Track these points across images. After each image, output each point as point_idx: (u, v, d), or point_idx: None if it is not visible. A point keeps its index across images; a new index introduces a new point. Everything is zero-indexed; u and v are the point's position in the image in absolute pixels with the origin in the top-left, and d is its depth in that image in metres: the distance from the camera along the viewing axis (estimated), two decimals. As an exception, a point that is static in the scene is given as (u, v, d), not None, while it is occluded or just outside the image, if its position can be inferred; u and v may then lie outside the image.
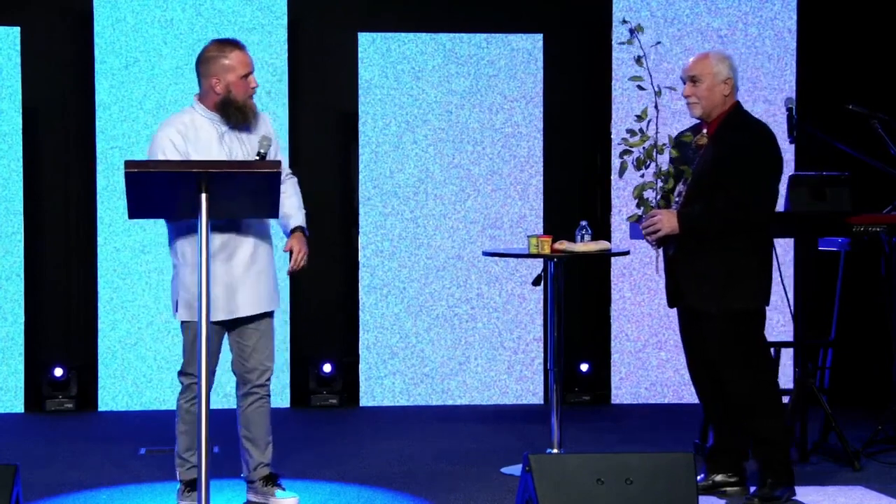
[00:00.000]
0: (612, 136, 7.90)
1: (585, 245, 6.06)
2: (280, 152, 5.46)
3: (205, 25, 7.68)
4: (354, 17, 7.96)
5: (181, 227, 5.25)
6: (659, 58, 7.85)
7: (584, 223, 6.17)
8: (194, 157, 5.17)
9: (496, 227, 7.90)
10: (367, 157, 7.83)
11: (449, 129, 7.88)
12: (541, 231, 7.73)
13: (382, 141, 7.84)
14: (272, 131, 5.42)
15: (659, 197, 5.44)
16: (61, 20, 7.82)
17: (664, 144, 5.41)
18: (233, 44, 5.29)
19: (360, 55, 7.82)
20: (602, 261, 7.82)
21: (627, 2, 7.86)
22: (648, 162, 5.41)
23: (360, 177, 7.83)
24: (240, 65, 5.24)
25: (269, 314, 5.44)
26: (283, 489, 5.52)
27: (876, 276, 6.74)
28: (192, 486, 5.40)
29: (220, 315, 5.25)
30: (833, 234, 6.43)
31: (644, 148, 5.40)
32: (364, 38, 7.82)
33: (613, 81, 7.88)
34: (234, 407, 7.76)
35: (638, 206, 5.47)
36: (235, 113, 5.25)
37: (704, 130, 5.53)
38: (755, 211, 5.40)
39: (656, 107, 5.40)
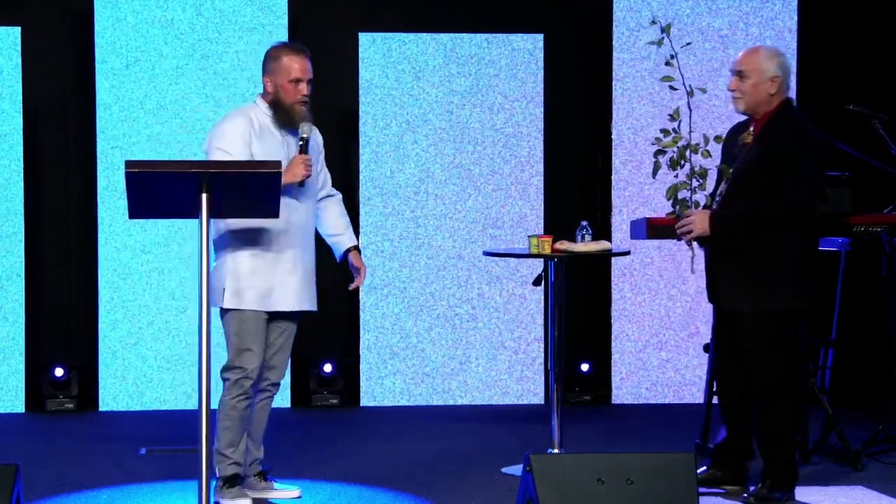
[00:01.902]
0: (612, 136, 7.90)
1: (586, 245, 6.06)
2: (323, 167, 5.62)
3: (205, 25, 7.68)
4: (355, 16, 7.96)
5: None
6: (660, 58, 7.83)
7: (584, 223, 6.17)
8: (258, 151, 5.29)
9: (497, 227, 7.90)
10: (367, 157, 7.83)
11: (449, 129, 7.88)
12: (541, 231, 7.73)
13: (383, 141, 7.84)
14: (321, 143, 5.59)
15: (694, 197, 5.41)
16: (61, 20, 7.82)
17: (697, 144, 5.38)
18: (292, 48, 5.42)
19: (360, 55, 7.82)
20: (603, 261, 7.82)
21: (628, 2, 7.86)
22: (682, 162, 5.38)
23: (361, 177, 7.83)
24: (291, 70, 5.35)
25: (299, 315, 5.56)
26: (278, 482, 5.64)
27: (876, 276, 6.74)
28: (231, 482, 5.44)
29: (272, 304, 5.40)
30: (834, 234, 6.43)
31: (677, 148, 5.37)
32: (364, 38, 7.82)
33: (614, 81, 7.88)
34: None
35: (673, 205, 5.45)
36: (282, 114, 5.37)
37: (751, 128, 5.50)
38: (796, 212, 5.37)
39: (689, 106, 5.36)
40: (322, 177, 5.61)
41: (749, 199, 5.37)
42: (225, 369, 5.42)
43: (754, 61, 5.45)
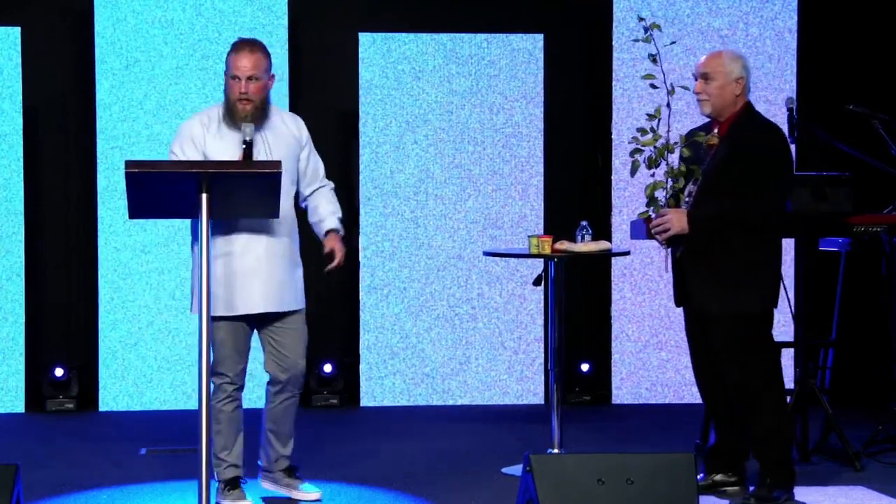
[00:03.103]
0: (612, 136, 7.90)
1: (586, 245, 6.06)
2: (309, 160, 5.51)
3: (205, 25, 7.68)
4: (355, 17, 7.96)
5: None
6: (659, 58, 7.84)
7: (584, 223, 6.17)
8: (214, 151, 5.23)
9: (497, 227, 7.90)
10: (367, 157, 7.83)
11: (449, 129, 7.88)
12: (541, 231, 7.73)
13: (383, 141, 7.84)
14: (303, 136, 5.47)
15: (669, 196, 5.42)
16: (61, 20, 7.82)
17: (675, 143, 5.39)
18: (235, 45, 5.33)
19: (360, 55, 7.81)
20: (603, 261, 7.82)
21: (628, 2, 7.86)
22: (660, 161, 5.39)
23: (361, 177, 7.83)
24: (230, 66, 5.29)
25: (299, 312, 5.47)
26: (304, 482, 5.58)
27: (876, 276, 6.74)
28: (231, 484, 5.42)
29: (239, 309, 5.31)
30: (833, 234, 6.43)
31: (656, 147, 5.38)
32: (364, 38, 7.82)
33: (614, 81, 7.88)
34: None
35: (648, 205, 5.46)
36: (227, 112, 5.30)
37: (715, 130, 5.51)
38: (765, 211, 5.38)
39: (668, 105, 5.37)
40: (309, 170, 5.50)
41: (719, 200, 5.38)
42: (211, 373, 5.41)
43: (719, 64, 5.49)
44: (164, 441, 6.79)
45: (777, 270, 5.51)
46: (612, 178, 7.90)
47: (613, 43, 7.87)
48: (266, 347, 5.46)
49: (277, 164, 4.77)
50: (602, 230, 7.69)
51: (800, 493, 5.57)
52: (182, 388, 7.69)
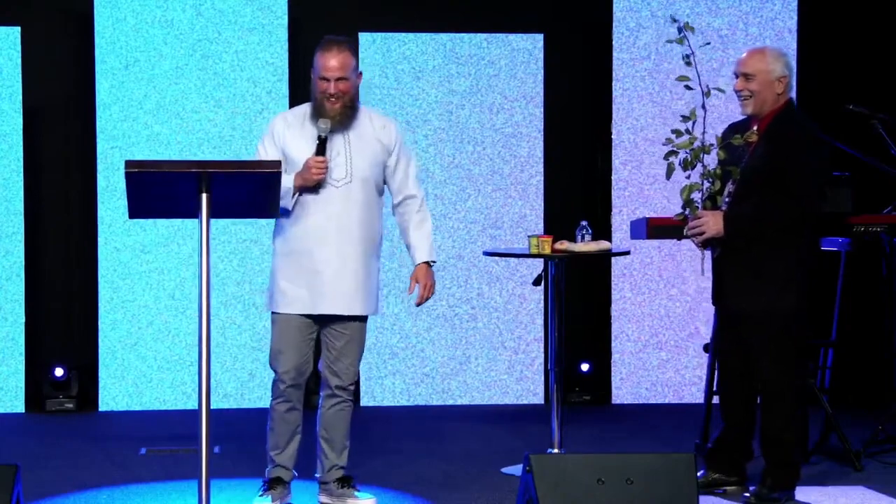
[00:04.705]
0: (612, 136, 7.90)
1: (586, 245, 6.06)
2: (397, 167, 5.42)
3: (205, 25, 7.68)
4: (355, 16, 7.96)
5: (282, 217, 5.33)
6: (659, 58, 7.85)
7: (584, 223, 6.17)
8: (293, 148, 5.27)
9: (496, 227, 7.90)
10: (367, 157, 7.83)
11: (449, 129, 7.88)
12: (541, 231, 7.73)
13: (383, 141, 7.83)
14: (392, 141, 5.39)
15: (705, 198, 5.39)
16: (61, 20, 7.82)
17: (711, 145, 5.35)
18: (322, 44, 5.30)
19: (360, 55, 7.80)
20: (603, 261, 7.81)
21: (628, 2, 7.86)
22: (696, 163, 5.35)
23: (361, 177, 7.82)
24: (318, 67, 5.27)
25: (361, 319, 5.42)
26: (359, 491, 5.50)
27: (876, 276, 6.74)
28: (271, 485, 5.41)
29: (298, 308, 5.32)
30: (834, 235, 6.43)
31: (692, 149, 5.34)
32: (364, 38, 7.82)
33: (614, 81, 7.88)
34: (237, 407, 7.75)
35: (684, 207, 5.42)
36: (314, 111, 5.29)
37: (755, 127, 5.48)
38: (805, 211, 5.35)
39: (704, 107, 5.32)
40: (397, 178, 5.42)
41: (758, 199, 5.35)
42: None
43: (762, 62, 5.44)
44: (164, 441, 6.79)
45: (812, 270, 5.47)
46: (612, 178, 7.90)
47: (613, 43, 7.87)
48: (322, 348, 5.44)
49: (277, 163, 4.75)
50: (602, 230, 7.69)
51: (800, 493, 5.57)
52: (182, 387, 7.69)
